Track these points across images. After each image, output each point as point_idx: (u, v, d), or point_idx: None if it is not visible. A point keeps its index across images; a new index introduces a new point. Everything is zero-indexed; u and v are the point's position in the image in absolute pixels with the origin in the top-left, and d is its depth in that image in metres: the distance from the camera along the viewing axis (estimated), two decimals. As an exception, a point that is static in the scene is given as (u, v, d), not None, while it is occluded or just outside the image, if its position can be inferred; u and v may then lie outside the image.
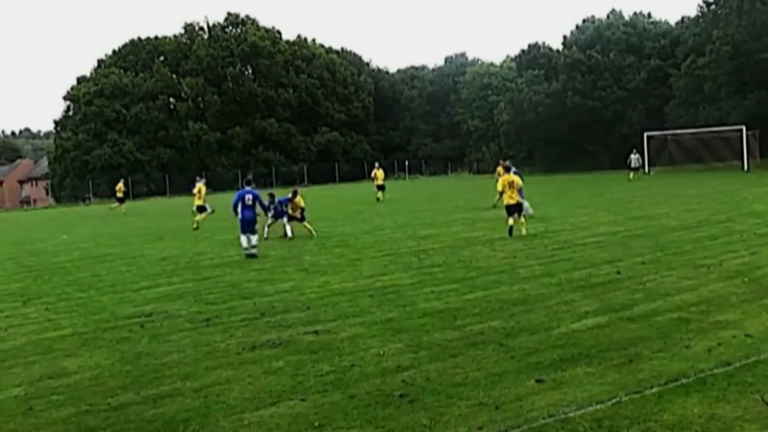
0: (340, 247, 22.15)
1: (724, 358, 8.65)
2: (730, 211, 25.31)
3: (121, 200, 50.16)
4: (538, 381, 8.31)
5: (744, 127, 53.51)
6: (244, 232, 21.10)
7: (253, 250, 20.91)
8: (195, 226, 31.22)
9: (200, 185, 33.49)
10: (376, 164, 48.89)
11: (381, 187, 45.79)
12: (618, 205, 30.79)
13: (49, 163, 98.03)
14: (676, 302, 11.77)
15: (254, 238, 21.16)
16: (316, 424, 7.50)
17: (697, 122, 60.17)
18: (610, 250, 17.93)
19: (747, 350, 8.94)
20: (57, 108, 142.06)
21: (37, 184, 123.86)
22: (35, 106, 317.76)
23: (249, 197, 21.41)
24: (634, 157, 54.28)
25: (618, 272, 14.77)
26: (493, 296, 13.28)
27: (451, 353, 9.71)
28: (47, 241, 31.87)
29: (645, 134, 59.19)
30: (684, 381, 7.97)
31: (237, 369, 9.67)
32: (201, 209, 32.66)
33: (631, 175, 53.11)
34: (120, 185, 50.92)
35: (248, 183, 22.43)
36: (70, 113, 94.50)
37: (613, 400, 7.50)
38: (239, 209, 21.26)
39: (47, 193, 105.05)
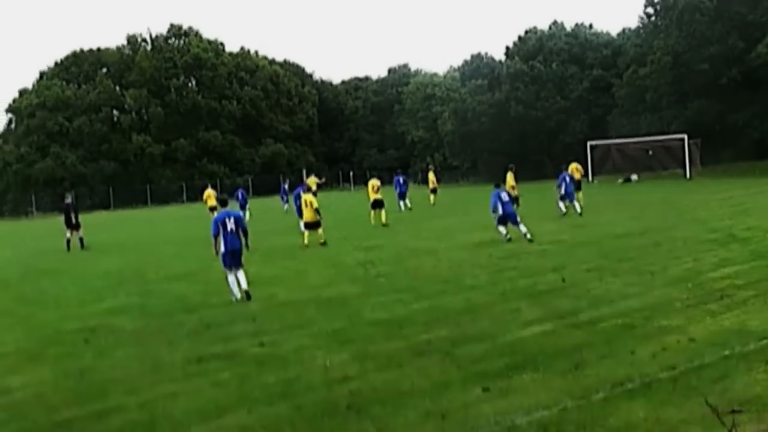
0: (286, 259, 22.04)
1: (668, 363, 8.72)
2: (674, 218, 25.62)
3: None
4: (484, 389, 8.31)
5: (686, 136, 54.24)
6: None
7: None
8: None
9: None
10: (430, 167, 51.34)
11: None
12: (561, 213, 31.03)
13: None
14: (621, 308, 11.87)
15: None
16: (263, 436, 7.43)
17: (639, 131, 60.86)
18: (555, 258, 18.04)
19: (691, 354, 9.02)
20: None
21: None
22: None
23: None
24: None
25: (563, 280, 14.84)
26: (439, 306, 13.29)
27: (398, 363, 9.68)
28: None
29: (588, 143, 59.70)
30: (629, 386, 8.02)
31: (183, 382, 9.56)
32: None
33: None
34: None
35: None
36: (12, 126, 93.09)
37: (560, 406, 7.53)
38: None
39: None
